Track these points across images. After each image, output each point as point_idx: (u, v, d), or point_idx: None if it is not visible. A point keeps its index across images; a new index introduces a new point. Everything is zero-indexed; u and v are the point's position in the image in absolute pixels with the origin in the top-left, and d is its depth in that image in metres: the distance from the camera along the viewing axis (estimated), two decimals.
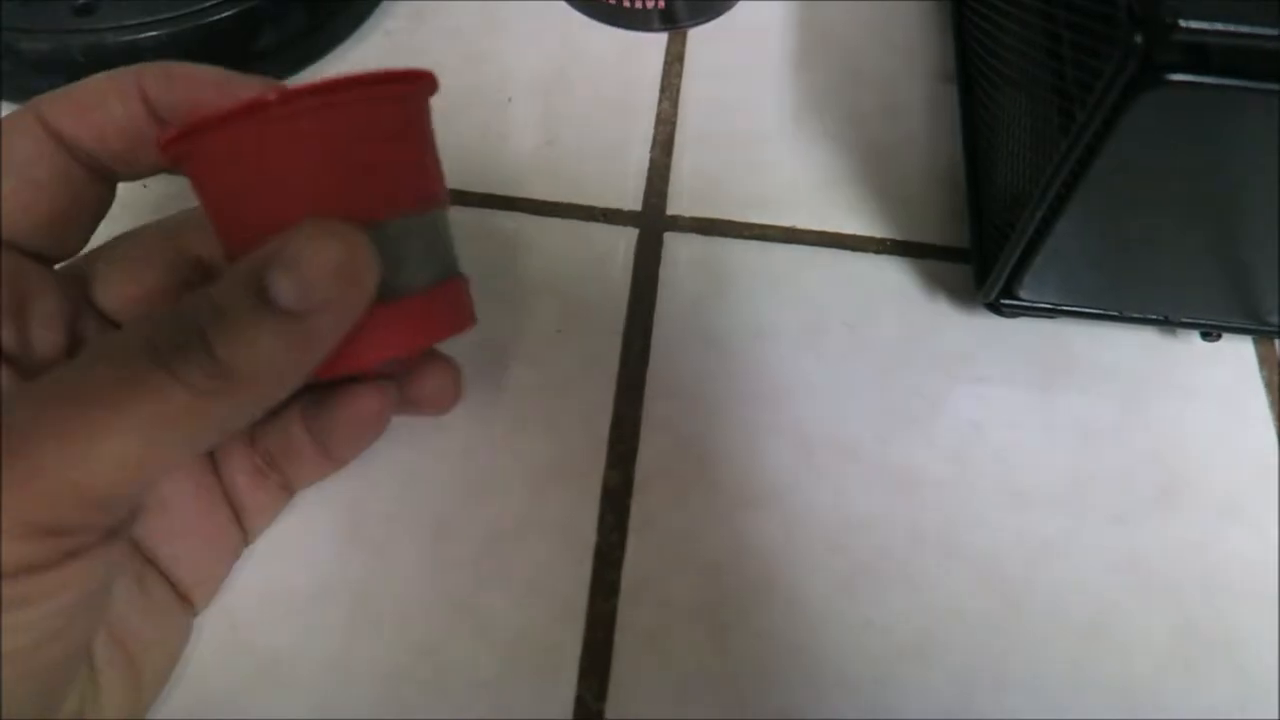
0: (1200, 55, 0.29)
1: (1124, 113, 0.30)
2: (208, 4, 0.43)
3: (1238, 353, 0.41)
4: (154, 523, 0.31)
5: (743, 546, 0.36)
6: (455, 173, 0.44)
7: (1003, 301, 0.39)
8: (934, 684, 0.34)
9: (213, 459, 0.34)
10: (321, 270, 0.25)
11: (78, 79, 0.43)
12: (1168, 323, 0.39)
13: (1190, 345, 0.41)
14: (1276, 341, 0.41)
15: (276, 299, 0.24)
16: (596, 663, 0.34)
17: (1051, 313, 0.39)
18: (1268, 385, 0.41)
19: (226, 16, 0.43)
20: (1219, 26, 0.28)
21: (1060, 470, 0.38)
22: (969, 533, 0.37)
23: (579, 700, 0.33)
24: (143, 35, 0.42)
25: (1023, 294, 0.38)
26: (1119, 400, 0.40)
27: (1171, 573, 0.36)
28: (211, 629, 0.34)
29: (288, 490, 0.35)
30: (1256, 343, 0.41)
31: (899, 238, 0.43)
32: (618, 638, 0.34)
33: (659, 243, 0.43)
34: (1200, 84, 0.29)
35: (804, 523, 0.37)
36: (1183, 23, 0.27)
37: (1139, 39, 0.28)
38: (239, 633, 0.34)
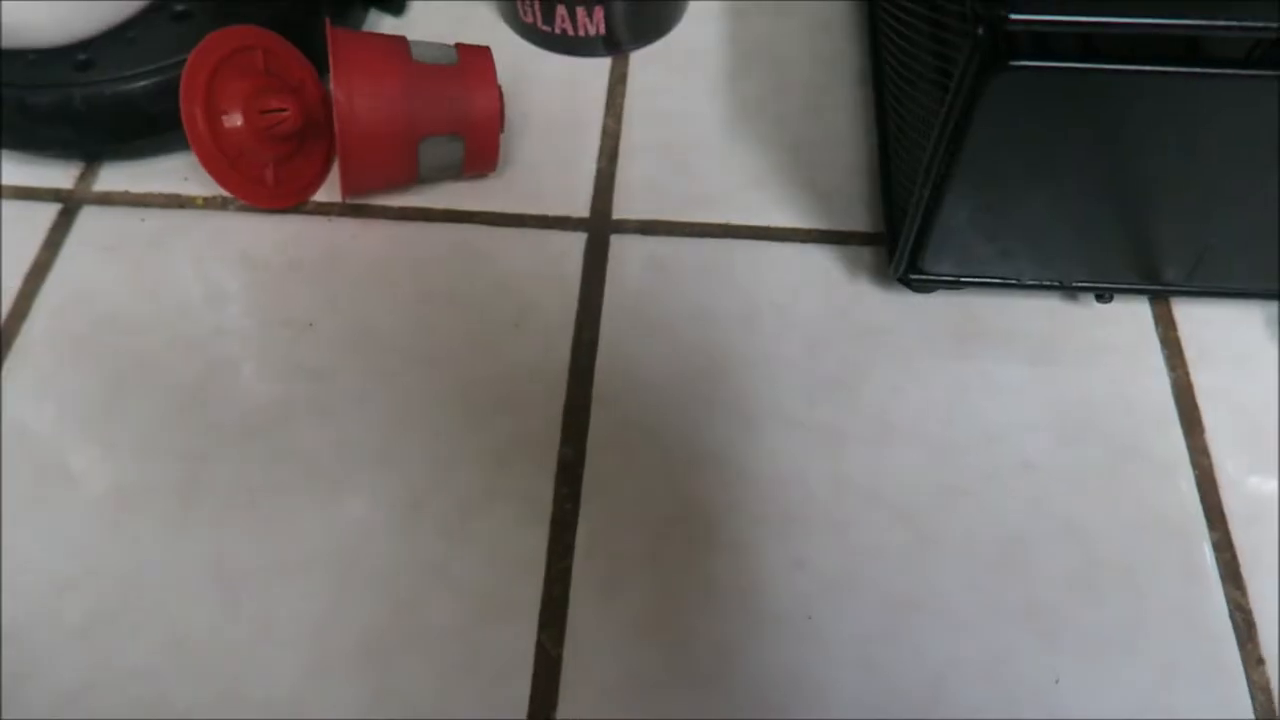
0: (1039, 42, 0.33)
1: (979, 96, 0.34)
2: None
3: (1134, 312, 0.45)
4: None
5: (685, 504, 0.40)
6: (418, 193, 0.49)
7: (910, 276, 0.43)
8: (857, 613, 0.38)
9: None
10: None
11: (80, 128, 0.48)
12: (1062, 287, 0.43)
13: (1091, 308, 0.45)
14: (1171, 300, 0.45)
15: None
16: (554, 614, 0.38)
17: (955, 284, 0.43)
18: (1163, 341, 0.45)
19: None
20: (1046, 17, 0.32)
21: (972, 424, 0.42)
22: (889, 481, 0.41)
23: (539, 646, 0.37)
24: (136, 85, 0.47)
25: (926, 268, 0.42)
26: (1025, 360, 0.44)
27: (1075, 509, 0.40)
28: (207, 594, 0.38)
29: None
30: (1152, 302, 0.46)
31: (823, 227, 0.48)
32: (573, 592, 0.38)
33: (606, 244, 0.48)
34: (1038, 68, 0.33)
35: (740, 480, 0.41)
36: (1013, 15, 0.32)
37: (980, 31, 0.33)
38: (235, 594, 0.38)
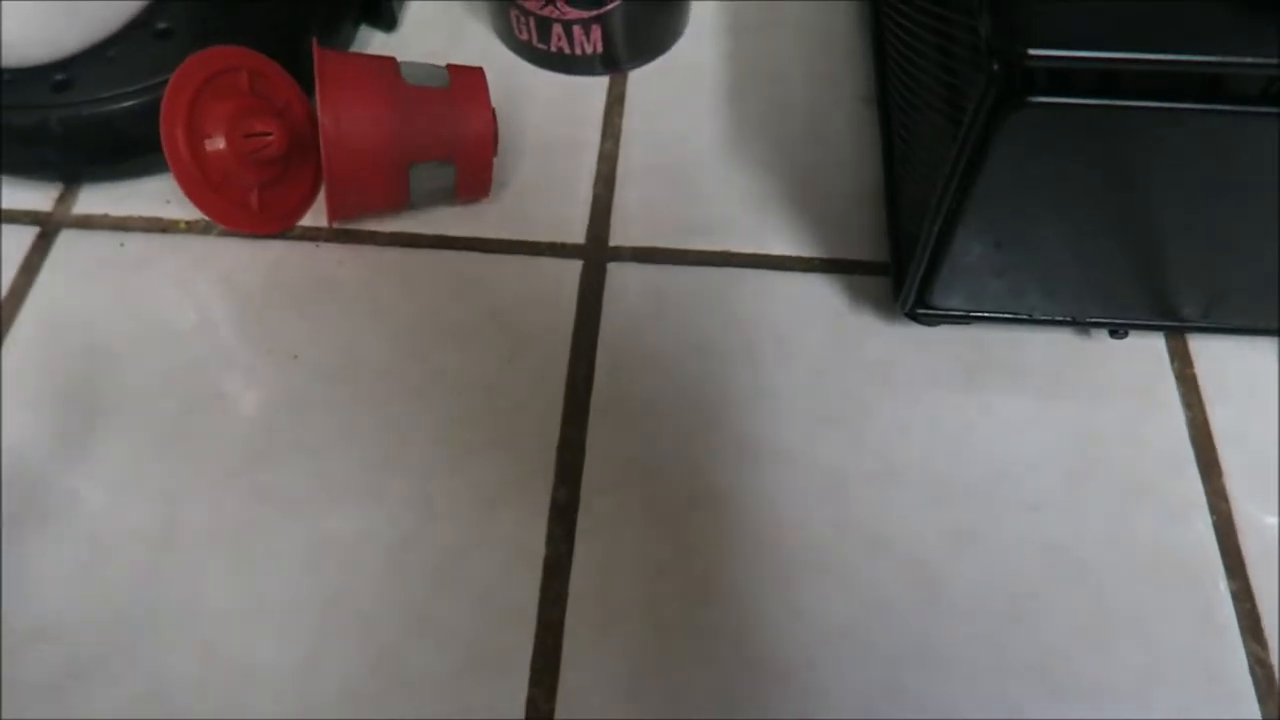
0: (1057, 78, 0.32)
1: (994, 132, 0.33)
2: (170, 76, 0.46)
3: (1149, 348, 0.44)
4: None
5: (683, 549, 0.39)
6: (409, 217, 0.47)
7: (918, 310, 0.42)
8: (862, 667, 0.36)
9: None
10: None
11: (58, 150, 0.46)
12: (1075, 323, 0.42)
13: (1104, 343, 0.44)
14: (1187, 336, 0.44)
15: None
16: (547, 666, 0.36)
17: (964, 319, 0.42)
18: (1178, 377, 0.43)
19: None
20: (1068, 53, 0.31)
21: (979, 463, 0.41)
22: (894, 525, 0.39)
23: (530, 702, 0.36)
24: (115, 106, 0.46)
25: (935, 302, 0.41)
26: (1036, 396, 0.42)
27: (1085, 555, 0.39)
28: (188, 637, 0.37)
29: None
30: (1167, 338, 0.44)
31: (826, 255, 0.46)
32: (566, 642, 0.37)
33: (602, 272, 0.46)
34: (1056, 104, 0.32)
35: (740, 523, 0.39)
36: (1033, 51, 0.30)
37: (997, 66, 0.31)
38: (214, 640, 0.37)
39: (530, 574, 0.38)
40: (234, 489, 0.40)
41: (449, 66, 0.45)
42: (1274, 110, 0.32)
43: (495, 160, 0.45)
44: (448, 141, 0.44)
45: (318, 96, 0.41)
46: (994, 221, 0.37)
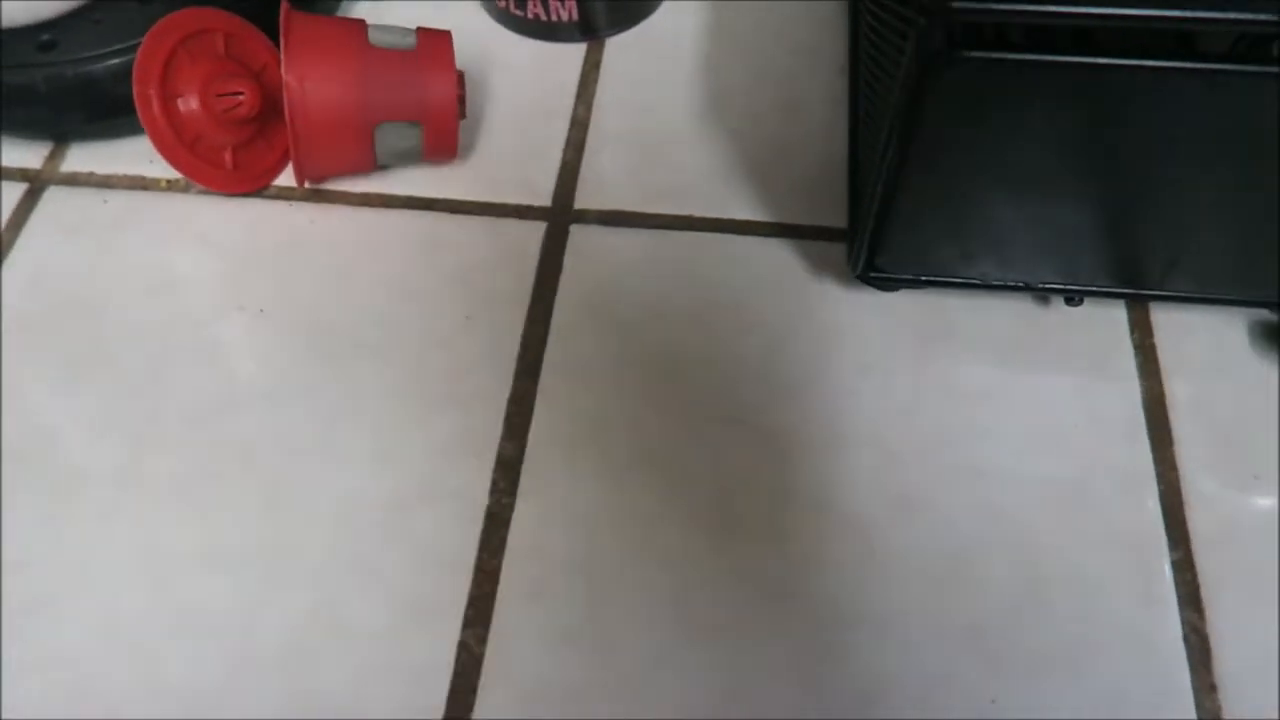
0: (984, 33, 0.32)
1: (926, 89, 0.33)
2: None
3: (1109, 317, 0.43)
4: None
5: (623, 507, 0.39)
6: (380, 178, 0.48)
7: (870, 275, 0.41)
8: (794, 626, 0.37)
9: None
10: None
11: (44, 109, 0.48)
12: (1028, 288, 0.41)
13: (1064, 312, 0.43)
14: (1150, 306, 0.43)
15: None
16: (480, 613, 0.37)
17: (916, 283, 0.42)
18: (1137, 347, 0.43)
19: None
20: (991, 6, 0.30)
21: (928, 430, 0.41)
22: (837, 489, 0.39)
23: (462, 645, 0.36)
24: (98, 66, 0.47)
25: (885, 266, 0.41)
26: (991, 364, 0.42)
27: (1028, 522, 0.39)
28: (134, 586, 0.38)
29: None
30: (1129, 307, 0.43)
31: (789, 221, 0.46)
32: (501, 590, 0.38)
33: (565, 234, 0.46)
34: (988, 59, 0.31)
35: (682, 484, 0.40)
36: (956, 4, 0.30)
37: (924, 21, 0.31)
38: (163, 587, 0.38)
39: (473, 525, 0.39)
40: (193, 439, 0.41)
41: (418, 30, 0.46)
42: (1243, 69, 0.31)
43: (465, 124, 0.46)
44: (413, 104, 0.44)
45: (283, 57, 0.42)
46: (937, 182, 0.37)
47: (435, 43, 0.45)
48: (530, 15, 0.52)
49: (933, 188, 0.37)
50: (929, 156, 0.36)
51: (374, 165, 0.47)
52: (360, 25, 0.45)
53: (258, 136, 0.48)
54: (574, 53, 0.53)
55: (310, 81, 0.43)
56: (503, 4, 0.52)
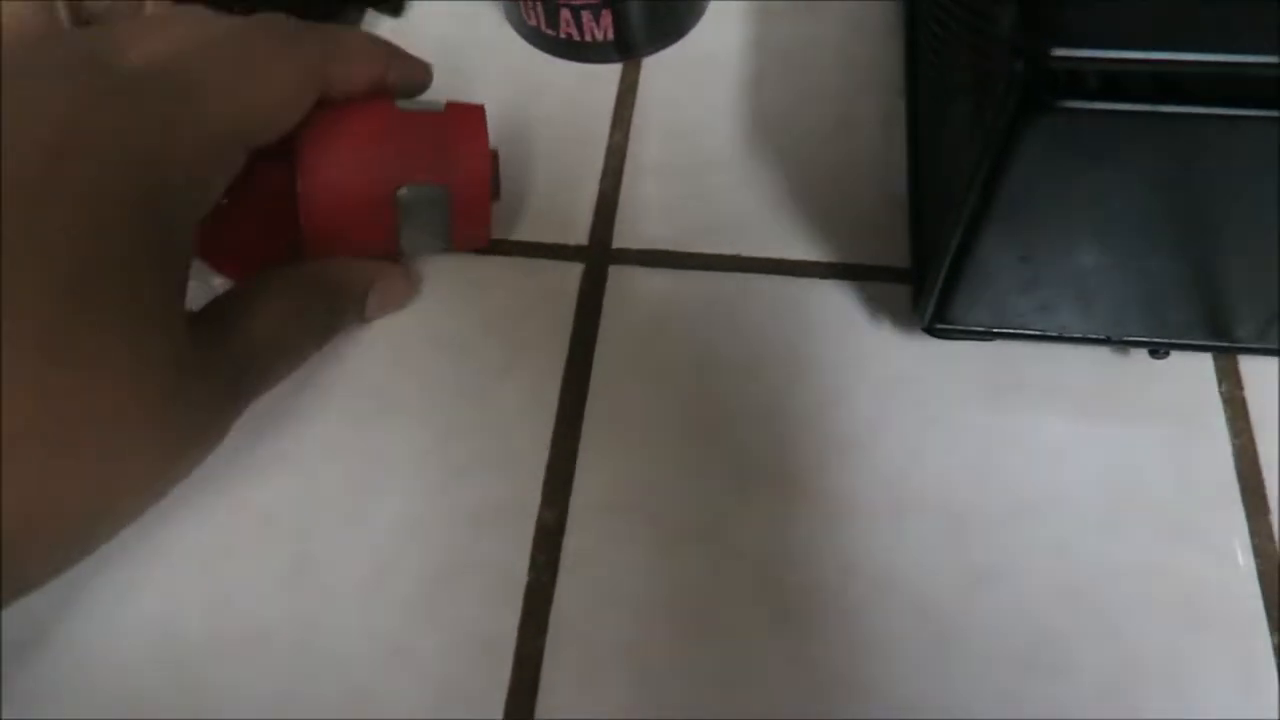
0: (1084, 81, 0.28)
1: (1017, 137, 0.29)
2: None
3: (1195, 369, 0.40)
4: None
5: (674, 583, 0.36)
6: None
7: (937, 326, 0.38)
8: (858, 716, 0.34)
9: None
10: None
11: None
12: (1110, 342, 0.38)
13: (1144, 362, 0.40)
14: (1239, 358, 0.40)
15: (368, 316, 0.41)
16: (522, 703, 0.34)
17: (988, 335, 0.38)
18: (1226, 401, 0.39)
19: None
20: (1094, 54, 0.27)
21: (1002, 494, 0.38)
22: (904, 562, 0.36)
23: None
24: None
25: (956, 318, 0.38)
26: (1067, 421, 0.39)
27: (1115, 600, 0.36)
28: (158, 664, 0.35)
29: None
30: (1216, 358, 0.40)
31: (842, 260, 0.43)
32: (544, 677, 0.35)
33: (604, 277, 0.43)
34: (1083, 109, 0.28)
35: (737, 557, 0.37)
36: (1056, 51, 0.27)
37: (1019, 67, 0.28)
38: (185, 669, 0.35)
39: (511, 602, 0.36)
40: (208, 505, 0.39)
41: (448, 104, 0.41)
42: None
43: (495, 206, 0.41)
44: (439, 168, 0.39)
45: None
46: (1021, 233, 0.34)
47: (466, 116, 0.40)
48: (563, 34, 0.49)
49: (1013, 239, 0.34)
50: (1012, 207, 0.32)
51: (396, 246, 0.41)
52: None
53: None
54: (608, 74, 0.50)
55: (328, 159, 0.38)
56: (533, 22, 0.49)
